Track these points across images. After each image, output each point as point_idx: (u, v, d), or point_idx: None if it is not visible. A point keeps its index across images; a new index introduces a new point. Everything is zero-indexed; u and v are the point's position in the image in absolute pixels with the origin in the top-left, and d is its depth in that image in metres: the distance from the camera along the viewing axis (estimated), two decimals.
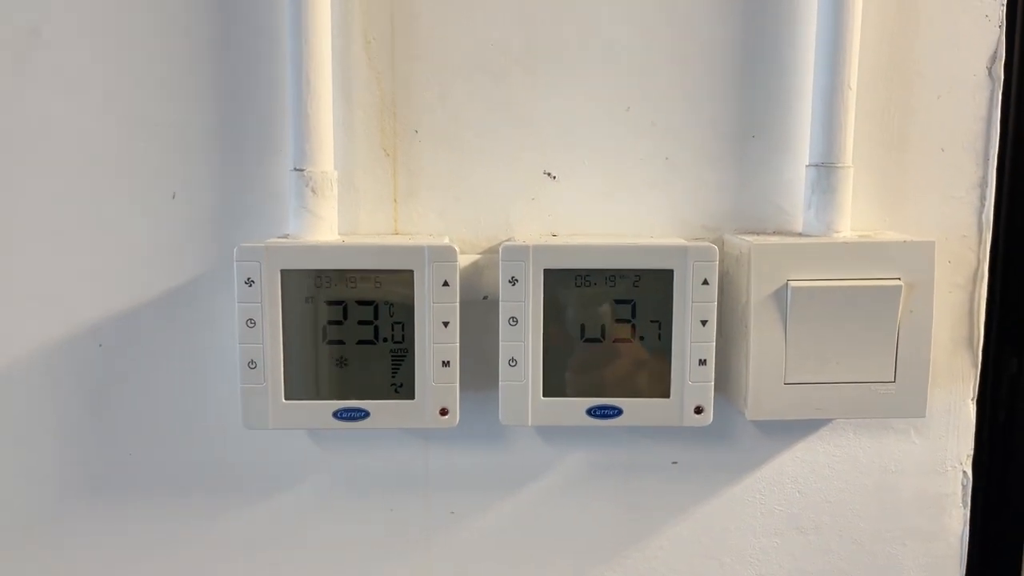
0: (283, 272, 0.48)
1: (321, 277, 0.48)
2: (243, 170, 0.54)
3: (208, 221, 0.54)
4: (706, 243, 0.49)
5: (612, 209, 0.55)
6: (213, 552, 0.57)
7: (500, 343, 0.49)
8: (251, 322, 0.48)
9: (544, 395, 0.49)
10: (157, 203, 0.54)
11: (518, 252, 0.48)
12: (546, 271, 0.48)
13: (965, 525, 0.58)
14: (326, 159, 0.51)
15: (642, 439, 0.57)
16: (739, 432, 0.57)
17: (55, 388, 0.55)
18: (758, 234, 0.54)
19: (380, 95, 0.54)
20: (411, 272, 0.48)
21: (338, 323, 0.49)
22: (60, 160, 0.53)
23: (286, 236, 0.52)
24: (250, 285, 0.48)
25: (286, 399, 0.49)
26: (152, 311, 0.54)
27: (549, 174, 0.55)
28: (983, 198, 0.55)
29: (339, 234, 0.53)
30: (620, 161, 0.55)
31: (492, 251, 0.54)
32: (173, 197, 0.54)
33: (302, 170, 0.51)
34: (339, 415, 0.49)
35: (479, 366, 0.54)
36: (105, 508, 0.56)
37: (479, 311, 0.53)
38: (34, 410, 0.55)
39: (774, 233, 0.55)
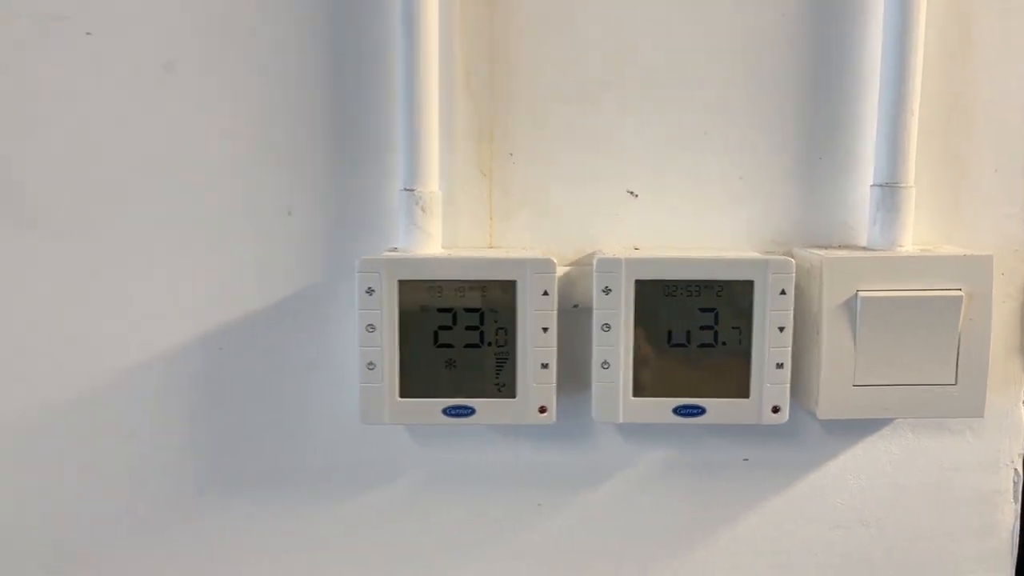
0: (400, 282, 0.53)
1: (433, 287, 0.53)
2: (353, 190, 0.59)
3: (321, 236, 0.59)
4: (784, 256, 0.54)
5: (689, 224, 0.60)
6: (320, 541, 0.62)
7: (594, 347, 0.54)
8: (371, 327, 0.53)
9: (634, 395, 0.54)
10: (275, 219, 0.59)
11: (612, 264, 0.53)
12: (637, 281, 0.53)
13: (1016, 520, 0.63)
14: (433, 180, 0.56)
15: (714, 438, 0.62)
16: (805, 432, 0.61)
17: (179, 388, 0.60)
18: (825, 248, 0.58)
19: (479, 122, 0.59)
20: (514, 282, 0.53)
21: (448, 328, 0.54)
22: (188, 179, 0.59)
23: (395, 249, 0.57)
24: (370, 294, 0.53)
25: (400, 397, 0.54)
26: (268, 318, 0.60)
27: (631, 192, 0.59)
28: None
29: (442, 247, 0.58)
30: (696, 180, 0.59)
31: (580, 263, 0.59)
32: (289, 214, 0.59)
33: (412, 190, 0.56)
34: (448, 412, 0.54)
35: (567, 369, 0.59)
36: (222, 500, 0.61)
37: (569, 318, 0.58)
38: (159, 409, 0.60)
39: (840, 247, 0.59)
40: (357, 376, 0.55)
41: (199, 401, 0.60)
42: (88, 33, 0.57)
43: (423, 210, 0.56)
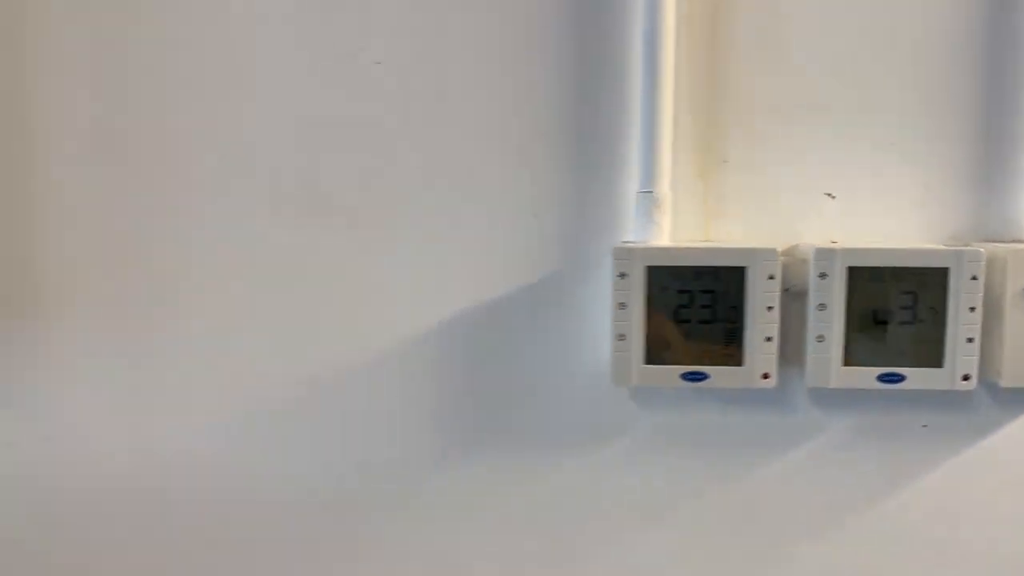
0: (647, 268, 0.64)
1: (675, 271, 0.64)
2: (589, 193, 0.70)
3: (563, 230, 0.70)
4: (976, 248, 0.63)
5: (877, 222, 0.70)
6: (555, 490, 0.73)
7: (809, 323, 0.64)
8: (622, 305, 0.64)
9: (843, 364, 0.64)
10: (525, 218, 0.70)
11: (828, 253, 0.63)
12: (849, 268, 0.63)
13: None
14: (666, 182, 0.67)
15: (896, 405, 0.71)
16: (979, 401, 0.71)
17: (446, 358, 0.72)
18: (999, 243, 0.68)
19: (698, 134, 0.69)
20: (744, 268, 0.64)
21: (686, 307, 0.65)
22: (456, 186, 0.70)
23: (630, 242, 0.68)
24: (623, 277, 0.64)
25: (645, 363, 0.65)
26: (519, 300, 0.71)
27: (829, 194, 0.70)
28: None
29: (669, 241, 0.69)
30: (885, 185, 0.69)
31: (787, 254, 0.69)
32: (535, 216, 0.70)
33: (649, 191, 0.67)
34: (685, 376, 0.65)
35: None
36: (475, 454, 0.73)
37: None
38: (426, 375, 0.72)
39: (1012, 242, 0.68)
40: (598, 347, 0.66)
41: (458, 370, 0.72)
42: (377, 63, 0.70)
43: (658, 208, 0.67)
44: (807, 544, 0.73)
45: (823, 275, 0.64)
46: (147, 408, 0.72)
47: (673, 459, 0.72)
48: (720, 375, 0.65)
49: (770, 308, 0.64)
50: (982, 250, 0.63)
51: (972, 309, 0.63)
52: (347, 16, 0.69)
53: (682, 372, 0.65)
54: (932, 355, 0.64)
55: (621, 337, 0.65)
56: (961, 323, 0.63)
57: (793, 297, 0.67)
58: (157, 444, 0.73)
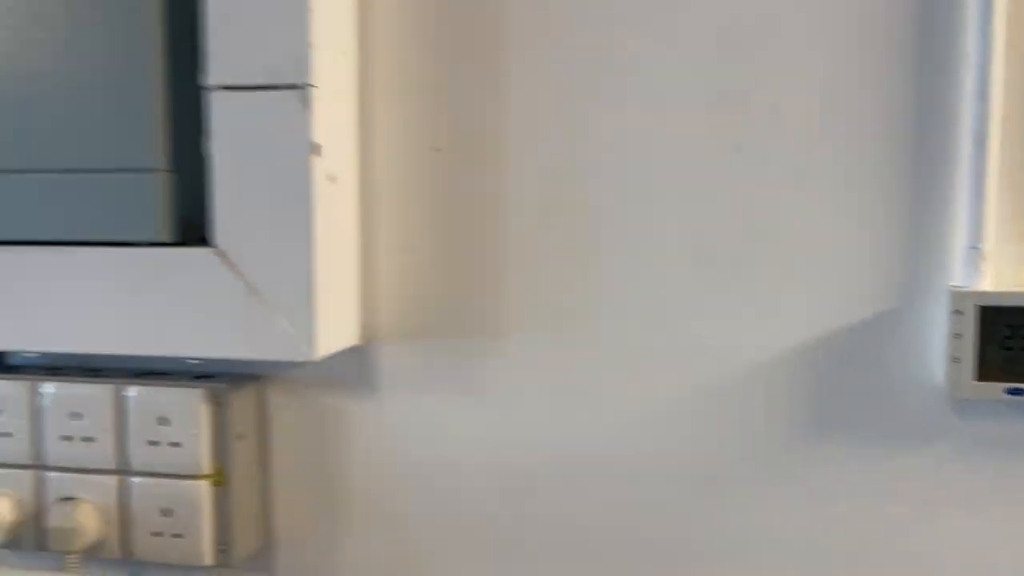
0: (978, 307, 0.84)
1: (1002, 310, 0.83)
2: (922, 247, 0.90)
3: (900, 276, 0.91)
4: None
5: None
6: (870, 487, 0.93)
7: None
8: (957, 335, 0.84)
9: None
10: (866, 260, 0.92)
11: None
12: None
13: None
14: (992, 239, 0.87)
15: None
16: None
17: (800, 378, 0.94)
18: None
19: (1014, 202, 0.88)
20: None
21: (1010, 337, 0.84)
22: (815, 241, 0.93)
23: (959, 286, 0.88)
24: (958, 314, 0.84)
25: (975, 380, 0.84)
26: (864, 331, 0.92)
27: None
28: None
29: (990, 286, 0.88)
30: None
31: None
32: (870, 252, 0.92)
33: (977, 247, 0.87)
34: (1008, 391, 0.84)
35: None
36: (818, 451, 0.94)
37: None
38: (791, 388, 0.95)
39: None
40: (929, 369, 0.87)
41: (814, 383, 0.94)
42: (745, 155, 0.94)
43: (983, 260, 0.86)
44: None
45: None
46: (580, 403, 0.99)
47: (989, 461, 0.91)
48: None
49: None
50: None
51: None
52: (728, 116, 0.94)
53: (1006, 388, 0.84)
54: None
55: (956, 360, 0.85)
56: None
57: None
58: (589, 432, 1.00)
